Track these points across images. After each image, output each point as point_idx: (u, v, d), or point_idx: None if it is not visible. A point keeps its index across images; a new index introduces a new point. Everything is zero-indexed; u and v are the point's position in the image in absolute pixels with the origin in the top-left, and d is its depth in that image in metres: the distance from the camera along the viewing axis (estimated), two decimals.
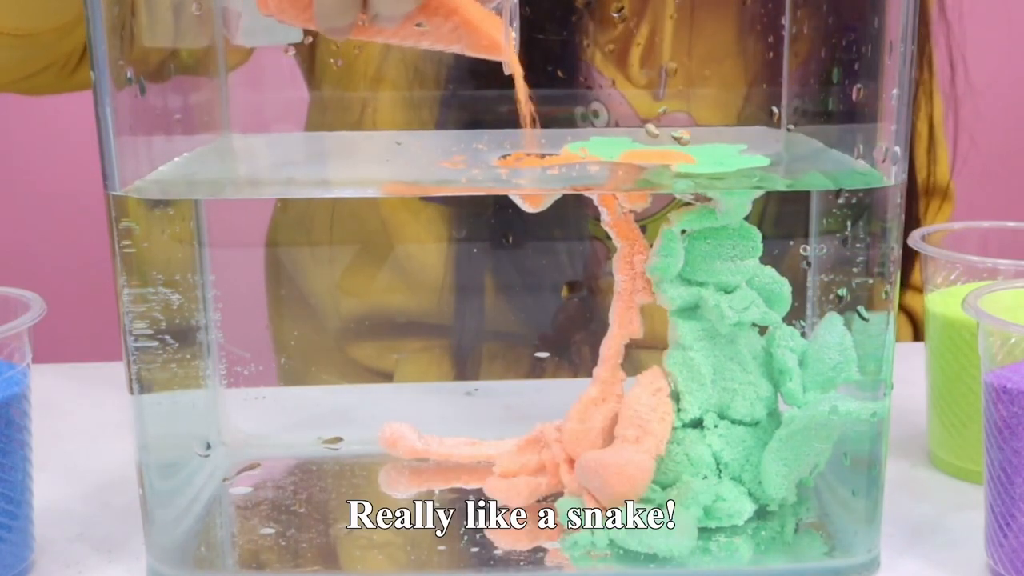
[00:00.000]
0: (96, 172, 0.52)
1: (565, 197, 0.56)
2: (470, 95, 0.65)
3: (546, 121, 0.57)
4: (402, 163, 0.60)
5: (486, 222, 0.71)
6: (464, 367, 0.76)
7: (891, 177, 0.52)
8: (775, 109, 0.59)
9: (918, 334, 0.96)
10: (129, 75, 0.51)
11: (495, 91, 0.61)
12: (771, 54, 0.59)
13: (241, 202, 0.68)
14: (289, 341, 0.71)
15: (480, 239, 0.72)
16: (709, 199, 0.53)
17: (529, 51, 0.53)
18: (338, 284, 0.76)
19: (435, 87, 0.68)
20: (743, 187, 0.53)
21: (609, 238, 0.56)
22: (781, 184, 0.55)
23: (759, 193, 0.54)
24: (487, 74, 0.53)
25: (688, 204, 0.54)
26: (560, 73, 0.67)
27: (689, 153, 0.56)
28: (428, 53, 0.55)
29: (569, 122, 0.67)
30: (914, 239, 0.64)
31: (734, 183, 0.53)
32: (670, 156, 0.56)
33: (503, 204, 0.63)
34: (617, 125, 0.70)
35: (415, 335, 0.76)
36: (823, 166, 0.56)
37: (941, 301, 0.63)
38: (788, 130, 0.60)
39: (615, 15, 0.67)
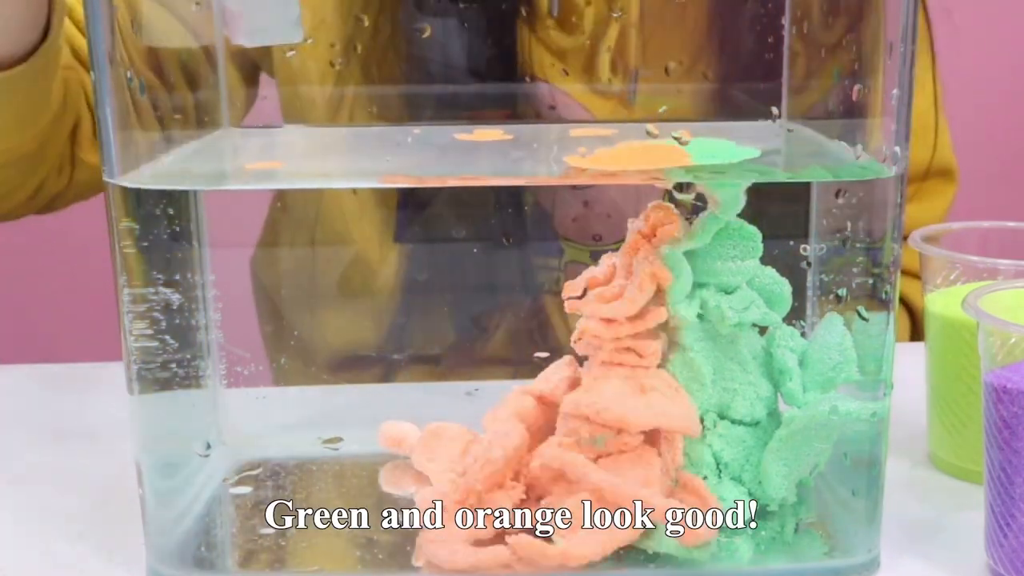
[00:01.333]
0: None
1: (538, 223, 0.56)
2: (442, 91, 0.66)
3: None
4: (402, 158, 0.60)
5: (461, 258, 0.72)
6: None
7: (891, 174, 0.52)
8: (775, 109, 0.59)
9: (915, 322, 0.96)
10: (129, 75, 0.51)
11: (467, 86, 0.61)
12: (771, 54, 0.59)
13: (242, 202, 0.68)
14: (282, 353, 0.71)
15: (455, 276, 0.72)
16: (698, 205, 0.53)
17: (484, 63, 0.53)
18: (321, 324, 0.76)
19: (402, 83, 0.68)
20: (743, 179, 0.53)
21: (593, 256, 0.56)
22: (781, 176, 0.55)
23: (747, 183, 0.54)
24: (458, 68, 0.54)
25: (688, 219, 0.54)
26: (510, 83, 0.67)
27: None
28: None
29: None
30: (914, 239, 0.64)
31: (734, 175, 0.53)
32: (667, 152, 0.56)
33: (479, 237, 0.63)
34: None
35: (399, 369, 0.77)
36: (823, 160, 0.56)
37: (941, 301, 0.63)
38: (788, 131, 0.60)
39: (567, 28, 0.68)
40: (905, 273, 0.90)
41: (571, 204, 0.76)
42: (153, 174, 0.54)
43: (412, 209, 0.75)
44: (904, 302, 0.92)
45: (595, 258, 0.73)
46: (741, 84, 0.63)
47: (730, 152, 0.55)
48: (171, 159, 0.56)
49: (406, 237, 0.75)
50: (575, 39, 0.70)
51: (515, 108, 0.67)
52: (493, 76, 0.65)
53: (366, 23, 0.66)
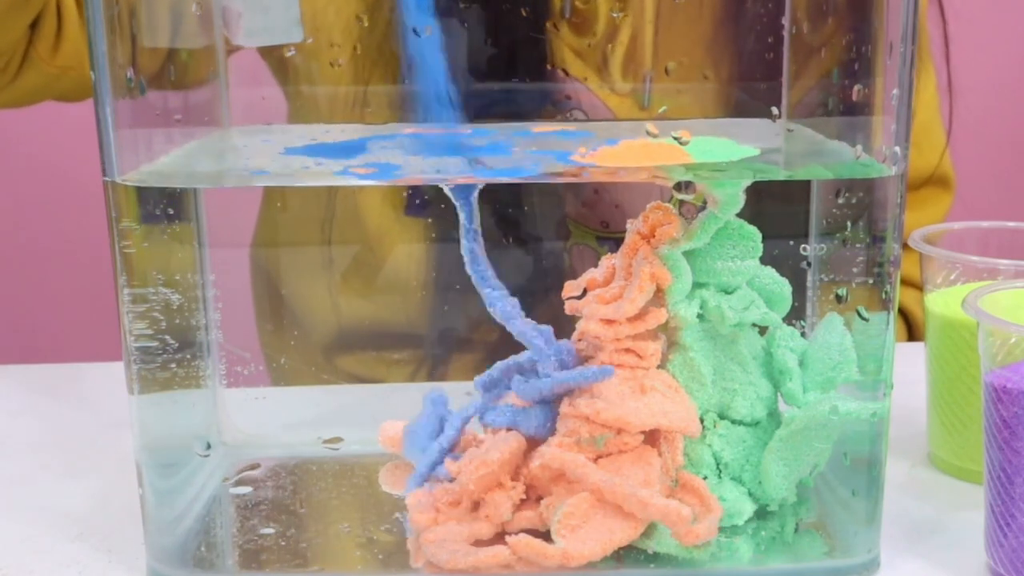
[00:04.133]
0: (98, 172, 0.52)
1: (546, 203, 0.56)
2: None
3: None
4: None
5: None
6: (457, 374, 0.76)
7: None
8: (775, 109, 0.59)
9: (912, 331, 0.96)
10: (129, 75, 0.51)
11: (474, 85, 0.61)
12: (771, 54, 0.59)
13: (241, 201, 0.68)
14: (282, 346, 0.71)
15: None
16: (703, 206, 0.54)
17: (506, 58, 0.53)
18: (331, 296, 0.76)
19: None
20: (743, 177, 0.53)
21: (599, 241, 0.55)
22: (782, 174, 0.55)
23: (748, 182, 0.54)
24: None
25: (688, 220, 0.54)
26: (532, 78, 0.67)
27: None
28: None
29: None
30: (914, 239, 0.64)
31: (733, 174, 0.53)
32: (668, 152, 0.56)
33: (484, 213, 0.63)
34: None
35: (405, 348, 0.76)
36: (824, 159, 0.56)
37: (941, 301, 0.63)
38: (788, 131, 0.60)
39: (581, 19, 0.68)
40: (907, 283, 0.90)
41: (582, 190, 0.76)
42: (152, 172, 0.54)
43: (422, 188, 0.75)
44: (899, 308, 0.92)
45: (601, 243, 0.73)
46: (744, 84, 0.63)
47: (730, 150, 0.55)
48: (171, 158, 0.56)
49: (415, 212, 0.75)
50: (586, 39, 0.70)
51: (532, 101, 0.67)
52: (510, 71, 0.65)
53: (365, 23, 0.66)
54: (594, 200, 0.77)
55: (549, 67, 0.71)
